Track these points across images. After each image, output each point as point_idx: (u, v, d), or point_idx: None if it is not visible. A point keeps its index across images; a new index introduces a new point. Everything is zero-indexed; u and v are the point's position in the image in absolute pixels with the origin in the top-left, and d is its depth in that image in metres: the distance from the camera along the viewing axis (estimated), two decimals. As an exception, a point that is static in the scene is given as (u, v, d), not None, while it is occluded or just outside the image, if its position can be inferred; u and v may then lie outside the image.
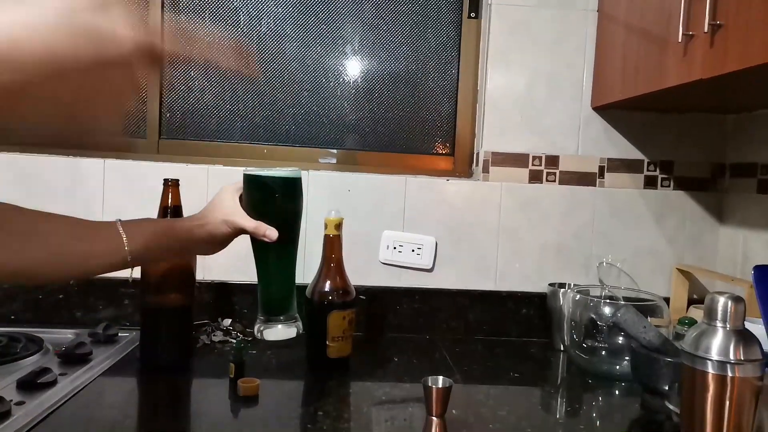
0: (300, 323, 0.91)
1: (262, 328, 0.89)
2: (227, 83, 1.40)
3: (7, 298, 1.26)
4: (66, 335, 1.16)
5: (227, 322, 1.25)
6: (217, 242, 0.82)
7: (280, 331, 0.89)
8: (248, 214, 0.84)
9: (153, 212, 1.06)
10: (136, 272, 0.91)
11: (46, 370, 0.90)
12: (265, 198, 0.88)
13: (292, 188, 0.90)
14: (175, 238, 0.77)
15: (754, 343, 0.71)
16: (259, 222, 0.83)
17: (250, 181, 0.88)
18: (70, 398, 0.86)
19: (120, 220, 0.72)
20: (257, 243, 0.86)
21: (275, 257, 0.89)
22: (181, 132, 1.40)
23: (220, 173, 1.30)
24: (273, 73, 1.40)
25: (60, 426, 0.78)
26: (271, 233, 0.82)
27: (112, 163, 1.30)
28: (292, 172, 0.90)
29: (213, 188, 1.30)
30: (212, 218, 0.81)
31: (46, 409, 0.81)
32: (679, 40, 0.95)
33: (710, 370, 0.71)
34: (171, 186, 1.06)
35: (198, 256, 1.09)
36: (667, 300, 1.29)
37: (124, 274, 1.27)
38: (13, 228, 0.64)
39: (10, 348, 1.05)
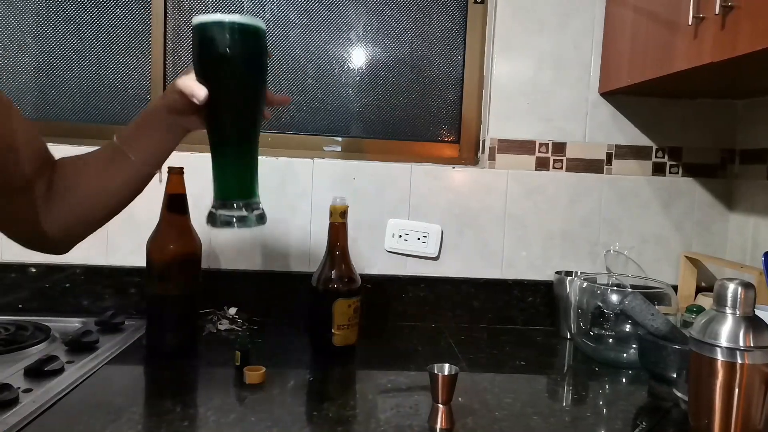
0: (264, 213, 0.74)
1: (213, 211, 0.73)
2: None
3: (14, 287, 1.26)
4: (73, 324, 1.16)
5: (233, 310, 1.25)
6: (175, 111, 0.71)
7: (234, 213, 0.72)
8: (196, 74, 0.69)
9: (158, 199, 1.06)
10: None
11: (53, 358, 0.91)
12: (209, 52, 0.68)
13: (245, 41, 0.68)
14: (151, 122, 0.74)
15: (764, 330, 0.70)
16: (189, 80, 0.68)
17: (193, 31, 0.69)
18: (77, 386, 0.87)
19: (117, 137, 0.73)
20: (207, 111, 0.70)
21: (228, 129, 0.72)
22: (186, 120, 1.39)
23: (224, 161, 1.30)
24: (277, 61, 1.39)
25: (67, 413, 0.79)
26: (198, 92, 0.66)
27: (116, 151, 1.29)
28: (249, 19, 0.69)
29: (218, 176, 1.29)
30: (170, 88, 0.72)
31: (53, 396, 0.82)
32: (690, 23, 0.93)
33: (719, 356, 0.70)
34: (175, 173, 1.05)
35: (203, 244, 1.09)
36: (675, 288, 1.28)
37: (131, 260, 1.27)
38: (79, 190, 0.73)
39: (18, 336, 1.06)
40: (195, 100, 0.66)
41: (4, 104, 0.67)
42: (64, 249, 0.79)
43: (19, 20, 1.35)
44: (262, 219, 0.73)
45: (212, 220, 0.71)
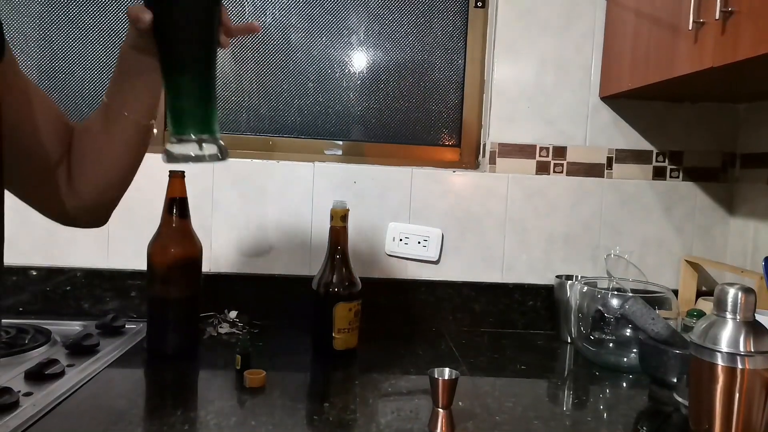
0: (223, 148, 0.69)
1: (169, 148, 0.68)
2: (233, 75, 1.39)
3: (15, 290, 1.26)
4: (73, 327, 1.16)
5: (233, 314, 1.25)
6: (138, 48, 0.68)
7: (190, 147, 0.67)
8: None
9: (159, 203, 1.06)
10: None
11: (53, 362, 0.91)
12: None
13: None
14: (126, 70, 0.70)
15: (765, 335, 0.70)
16: (135, 7, 0.65)
17: None
18: (77, 389, 0.87)
19: (105, 96, 0.71)
20: (155, 37, 0.67)
21: (177, 56, 0.68)
22: (187, 124, 1.39)
23: (226, 165, 1.30)
24: (278, 65, 1.39)
25: (67, 417, 0.79)
26: (142, 15, 0.63)
27: (118, 155, 1.30)
28: None
29: (219, 180, 1.30)
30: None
31: (53, 400, 0.81)
32: (690, 28, 0.94)
33: (719, 361, 0.70)
34: (177, 177, 1.06)
35: (204, 247, 1.09)
36: (675, 292, 1.28)
37: (132, 264, 1.27)
38: (87, 158, 0.72)
39: (19, 339, 1.06)
40: (140, 26, 0.64)
41: (22, 88, 0.66)
42: (98, 219, 0.77)
43: (21, 24, 1.36)
44: (221, 154, 0.68)
45: (168, 156, 0.67)
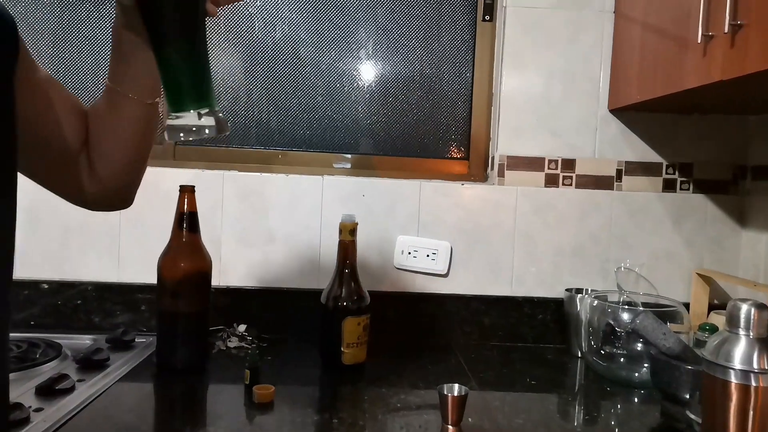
0: (223, 119, 0.69)
1: (170, 124, 0.68)
2: (243, 89, 1.41)
3: (27, 303, 1.27)
4: (84, 341, 1.17)
5: (242, 327, 1.25)
6: (127, 25, 0.68)
7: (188, 121, 0.67)
8: None
9: (170, 217, 1.07)
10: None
11: (64, 377, 0.91)
12: None
13: None
14: (123, 50, 0.70)
15: (779, 352, 0.69)
16: None
17: None
18: (87, 404, 0.87)
19: (108, 79, 0.71)
20: (141, 12, 0.66)
21: (164, 28, 0.67)
22: (197, 138, 1.40)
23: (235, 179, 1.31)
24: (288, 79, 1.41)
25: (77, 432, 0.79)
26: None
27: (128, 169, 1.31)
28: None
29: (228, 194, 1.31)
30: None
31: (64, 415, 0.82)
32: (699, 41, 0.93)
33: (733, 379, 0.69)
34: (187, 192, 1.06)
35: (214, 261, 1.09)
36: (687, 305, 1.27)
37: (142, 277, 1.28)
38: (101, 144, 0.72)
39: (30, 354, 1.06)
40: (125, 1, 0.63)
41: (38, 81, 0.67)
42: (124, 200, 0.78)
43: (30, 38, 1.38)
44: (221, 126, 0.68)
45: (169, 132, 0.67)
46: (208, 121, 0.67)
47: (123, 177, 0.75)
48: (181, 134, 0.66)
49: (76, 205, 0.76)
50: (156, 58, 0.67)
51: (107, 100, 0.71)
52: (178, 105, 0.67)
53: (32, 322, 1.27)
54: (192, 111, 0.67)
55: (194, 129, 0.67)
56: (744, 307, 0.70)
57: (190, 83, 0.68)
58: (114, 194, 0.76)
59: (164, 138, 0.66)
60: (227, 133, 0.70)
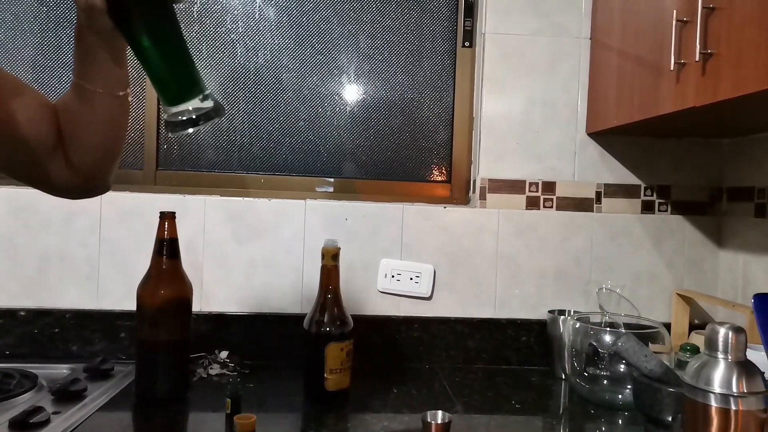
0: (217, 104, 0.70)
1: (169, 119, 0.69)
2: (226, 115, 1.40)
3: (2, 333, 1.24)
4: (61, 370, 1.14)
5: (224, 354, 1.24)
6: (94, 28, 0.67)
7: (184, 111, 0.68)
8: None
9: (150, 244, 1.06)
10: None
11: (38, 410, 0.89)
12: None
13: None
14: (89, 49, 0.70)
15: (757, 375, 0.70)
16: None
17: None
18: (63, 438, 0.85)
19: (75, 76, 0.71)
20: (114, 17, 0.66)
21: (140, 28, 0.67)
22: (179, 163, 1.40)
23: (217, 204, 1.30)
24: (270, 104, 1.41)
25: (52, 467, 0.77)
26: (93, 1, 0.63)
27: (108, 194, 1.29)
28: None
29: (210, 219, 1.30)
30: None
31: (38, 450, 0.80)
32: (672, 68, 0.96)
33: (713, 403, 0.70)
34: (167, 218, 1.05)
35: (194, 287, 1.08)
36: (667, 325, 1.28)
37: (122, 305, 1.26)
38: (75, 137, 0.73)
39: (4, 385, 1.04)
40: (95, 10, 0.64)
41: (9, 83, 0.69)
42: (102, 187, 0.80)
43: (14, 51, 1.37)
44: (217, 111, 0.69)
45: (171, 127, 0.68)
46: (206, 104, 0.68)
47: (99, 164, 0.76)
48: (183, 128, 0.68)
49: (52, 194, 0.77)
50: (137, 56, 0.68)
51: (77, 95, 0.72)
52: (169, 99, 0.68)
53: (7, 352, 1.24)
54: (186, 101, 0.68)
55: (194, 117, 0.68)
56: (722, 331, 0.71)
57: (177, 79, 0.69)
58: (91, 182, 0.78)
59: (167, 137, 0.67)
60: (224, 114, 0.71)
